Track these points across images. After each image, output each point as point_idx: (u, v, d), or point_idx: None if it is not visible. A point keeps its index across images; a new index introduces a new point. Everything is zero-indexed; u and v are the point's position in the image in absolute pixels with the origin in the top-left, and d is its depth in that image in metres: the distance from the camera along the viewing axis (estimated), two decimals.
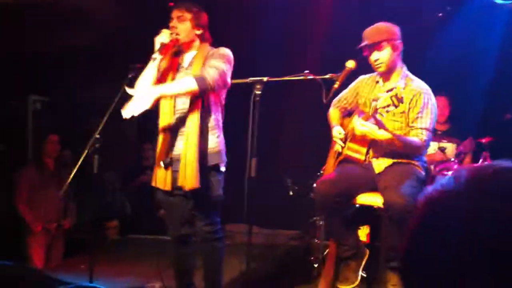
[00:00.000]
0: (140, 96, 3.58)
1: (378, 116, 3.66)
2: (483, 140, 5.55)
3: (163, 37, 3.75)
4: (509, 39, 5.29)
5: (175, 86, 3.70)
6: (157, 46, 3.73)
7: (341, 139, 4.04)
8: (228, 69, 3.74)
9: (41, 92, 7.67)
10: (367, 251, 3.97)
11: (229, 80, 3.77)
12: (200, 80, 3.60)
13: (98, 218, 6.58)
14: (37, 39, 6.51)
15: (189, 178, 3.66)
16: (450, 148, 5.80)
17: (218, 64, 3.70)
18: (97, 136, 3.60)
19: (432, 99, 3.85)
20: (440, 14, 6.33)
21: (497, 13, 5.65)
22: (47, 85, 7.45)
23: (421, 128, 3.75)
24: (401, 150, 3.78)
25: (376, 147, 3.91)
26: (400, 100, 3.45)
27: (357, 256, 3.92)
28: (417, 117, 3.77)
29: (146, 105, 3.56)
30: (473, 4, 5.89)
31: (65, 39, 6.52)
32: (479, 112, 6.16)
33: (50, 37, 6.45)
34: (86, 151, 3.55)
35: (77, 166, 3.54)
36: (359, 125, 3.65)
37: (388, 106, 3.50)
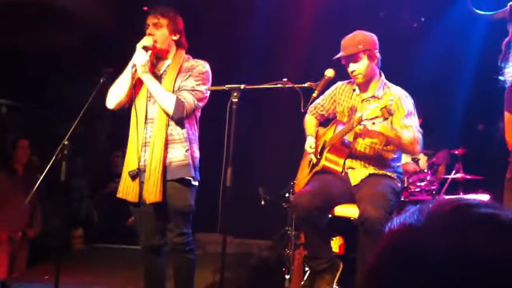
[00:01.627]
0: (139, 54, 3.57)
1: (360, 128, 3.60)
2: (457, 152, 5.58)
3: (145, 41, 3.64)
4: (486, 51, 5.32)
5: (159, 91, 3.60)
6: (139, 51, 3.60)
7: (312, 153, 3.99)
8: (206, 88, 3.69)
9: (7, 95, 7.48)
10: (341, 264, 3.90)
11: (206, 97, 3.73)
12: (179, 106, 3.56)
13: (63, 225, 6.41)
14: (3, 39, 6.33)
15: (151, 191, 3.58)
16: (423, 159, 5.81)
17: (197, 86, 3.66)
18: (66, 142, 3.46)
19: (412, 104, 3.82)
20: (415, 25, 6.37)
21: (475, 25, 5.69)
22: (14, 88, 7.26)
23: (411, 126, 3.68)
24: (400, 146, 3.69)
25: (353, 158, 3.86)
26: (390, 112, 3.37)
27: (331, 269, 3.85)
28: (404, 121, 3.68)
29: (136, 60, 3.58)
30: (451, 16, 5.92)
31: (34, 40, 6.35)
32: (453, 123, 6.21)
33: (18, 37, 6.28)
34: (54, 158, 3.41)
35: (44, 173, 3.40)
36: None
37: (376, 118, 3.40)
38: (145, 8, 6.18)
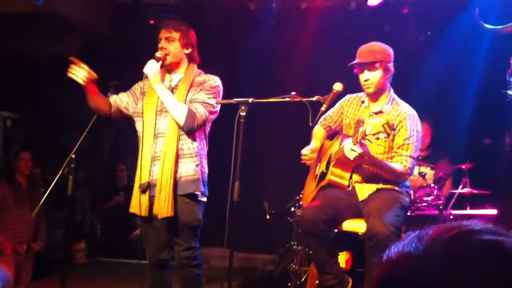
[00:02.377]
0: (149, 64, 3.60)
1: (365, 142, 3.57)
2: (463, 166, 5.53)
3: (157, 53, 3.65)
4: (492, 65, 5.30)
5: (171, 101, 3.61)
6: (150, 62, 3.61)
7: (305, 155, 3.92)
8: (216, 103, 3.70)
9: (11, 108, 7.47)
10: (350, 280, 3.85)
11: (216, 111, 3.75)
12: (190, 117, 3.57)
13: (66, 239, 6.37)
14: (7, 52, 6.32)
15: (162, 206, 3.56)
16: (430, 173, 5.78)
17: (208, 99, 3.68)
18: (73, 156, 3.44)
19: (418, 125, 3.79)
20: (422, 39, 6.37)
21: (481, 39, 5.68)
22: (18, 100, 7.26)
23: (406, 156, 3.69)
24: (384, 175, 3.71)
25: (359, 172, 3.82)
26: (392, 128, 3.34)
27: (340, 285, 3.79)
28: (403, 144, 3.70)
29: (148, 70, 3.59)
30: (457, 30, 5.91)
31: (39, 52, 6.34)
32: (460, 137, 6.17)
33: (22, 50, 6.27)
34: (61, 171, 3.38)
35: (51, 186, 3.36)
36: (351, 150, 3.53)
37: (379, 133, 3.39)
38: (151, 22, 6.23)
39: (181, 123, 3.59)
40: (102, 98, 3.75)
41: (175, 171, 3.61)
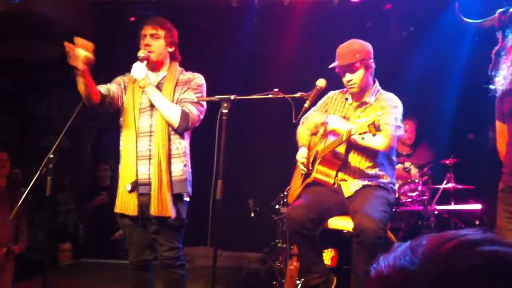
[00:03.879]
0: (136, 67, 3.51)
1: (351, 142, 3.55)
2: (448, 161, 5.55)
3: (140, 52, 3.57)
4: (475, 60, 5.31)
5: (164, 103, 3.55)
6: (136, 65, 3.53)
7: (302, 163, 3.91)
8: (197, 100, 3.65)
9: None
10: (335, 279, 3.82)
11: (205, 109, 3.70)
12: (185, 118, 3.54)
13: (50, 239, 6.28)
14: None
15: (164, 206, 3.50)
16: (414, 169, 5.79)
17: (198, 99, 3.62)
18: (51, 156, 3.36)
19: (399, 106, 3.73)
20: (404, 34, 6.38)
21: (464, 34, 5.69)
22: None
23: (385, 123, 3.52)
24: (368, 147, 3.66)
25: (345, 170, 3.80)
26: (377, 129, 3.30)
27: (325, 284, 3.76)
28: (380, 114, 3.58)
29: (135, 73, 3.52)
30: (440, 26, 5.91)
31: (20, 52, 6.26)
32: (444, 132, 6.19)
33: (4, 52, 6.18)
34: (39, 172, 3.31)
35: (29, 188, 3.29)
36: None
37: (365, 134, 3.36)
38: (132, 19, 6.16)
39: (175, 124, 3.55)
40: (94, 87, 3.55)
41: (171, 171, 3.58)
